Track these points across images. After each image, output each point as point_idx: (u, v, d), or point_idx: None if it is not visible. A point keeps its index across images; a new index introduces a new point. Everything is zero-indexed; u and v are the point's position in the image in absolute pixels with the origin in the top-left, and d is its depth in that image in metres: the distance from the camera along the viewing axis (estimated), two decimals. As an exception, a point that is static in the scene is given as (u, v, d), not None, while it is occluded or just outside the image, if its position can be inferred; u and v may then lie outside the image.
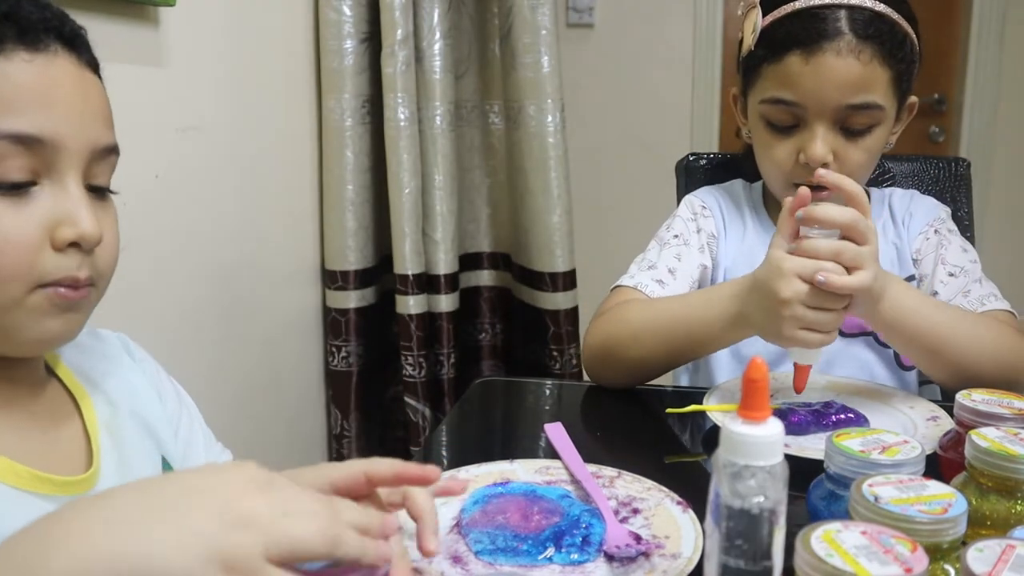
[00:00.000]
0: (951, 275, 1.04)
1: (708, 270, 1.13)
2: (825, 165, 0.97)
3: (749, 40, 1.02)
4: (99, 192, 0.60)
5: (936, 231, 1.10)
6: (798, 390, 0.89)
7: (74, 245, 0.57)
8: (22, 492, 0.55)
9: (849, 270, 0.81)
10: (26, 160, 0.55)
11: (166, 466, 0.69)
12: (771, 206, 1.15)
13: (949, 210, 1.16)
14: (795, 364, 0.88)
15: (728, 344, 0.99)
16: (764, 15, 1.01)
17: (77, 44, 0.59)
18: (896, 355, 1.07)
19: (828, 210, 0.81)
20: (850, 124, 0.98)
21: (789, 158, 1.01)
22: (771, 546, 0.47)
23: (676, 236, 1.13)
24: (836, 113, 0.97)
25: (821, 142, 0.97)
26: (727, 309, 0.91)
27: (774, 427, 0.47)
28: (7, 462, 0.55)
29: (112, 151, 0.61)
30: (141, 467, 0.66)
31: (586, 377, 1.07)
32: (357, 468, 0.63)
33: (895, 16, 0.98)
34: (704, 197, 1.18)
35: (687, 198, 1.19)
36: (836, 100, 0.96)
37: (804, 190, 0.83)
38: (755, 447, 0.47)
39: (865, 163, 1.01)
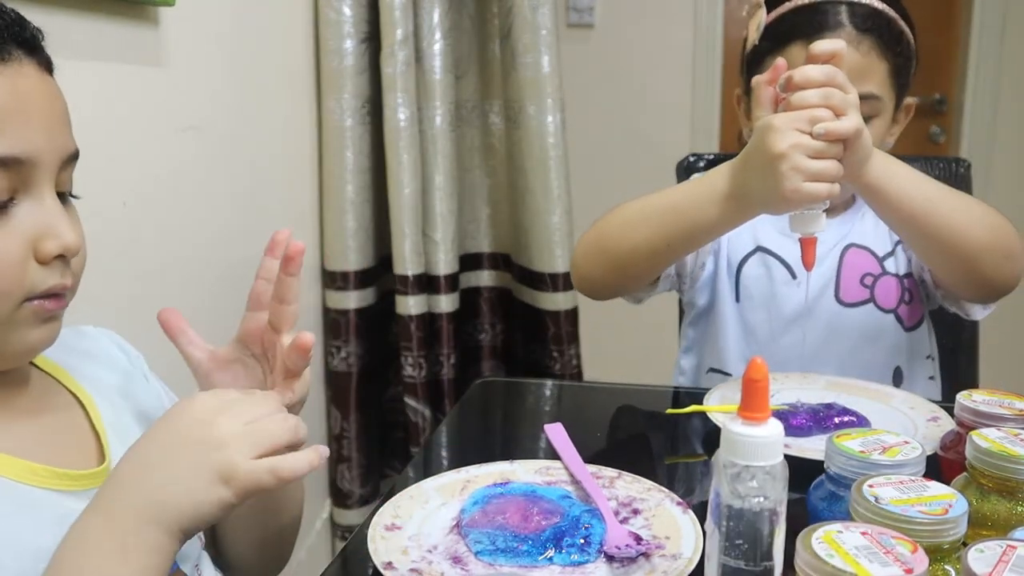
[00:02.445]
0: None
1: (718, 241, 1.13)
2: None
3: (754, 36, 1.03)
4: (64, 198, 0.60)
5: None
6: (808, 265, 0.87)
7: (58, 256, 0.57)
8: (43, 490, 0.56)
9: (837, 115, 0.81)
10: (3, 180, 0.54)
11: None
12: None
13: None
14: (800, 239, 0.86)
15: (725, 228, 0.96)
16: (769, 12, 1.03)
17: (37, 48, 0.58)
18: (898, 317, 1.08)
19: (806, 71, 0.82)
20: None
21: None
22: (771, 546, 0.47)
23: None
24: None
25: None
26: (723, 187, 0.89)
27: (774, 428, 0.47)
28: (23, 463, 0.56)
29: (75, 157, 0.60)
30: None
31: (586, 376, 1.07)
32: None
33: (892, 13, 1.02)
34: None
35: (695, 176, 1.18)
36: None
37: (781, 61, 0.86)
38: (755, 448, 0.47)
39: None
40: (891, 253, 1.10)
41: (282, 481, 0.53)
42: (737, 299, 1.12)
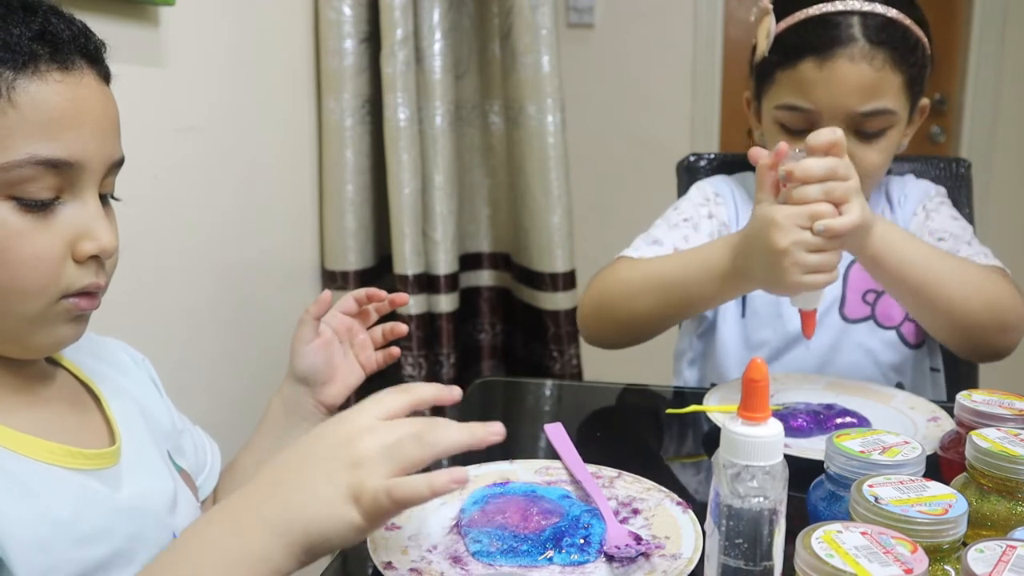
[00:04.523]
0: (940, 240, 1.05)
1: None
2: None
3: (763, 46, 1.02)
4: (104, 200, 0.63)
5: (924, 207, 1.11)
6: (808, 335, 0.89)
7: (93, 257, 0.60)
8: (59, 468, 0.58)
9: (838, 206, 0.82)
10: (53, 180, 0.57)
11: (172, 461, 0.72)
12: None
13: (943, 189, 1.16)
14: (801, 312, 0.88)
15: (726, 299, 1.00)
16: (778, 20, 1.01)
17: (99, 60, 0.61)
18: (900, 335, 1.08)
19: (807, 166, 0.82)
20: (864, 128, 0.99)
21: None
22: (771, 546, 0.47)
23: (686, 220, 1.12)
24: (849, 118, 0.98)
25: None
26: (724, 266, 0.91)
27: (774, 428, 0.47)
28: (39, 441, 0.58)
29: (121, 163, 0.63)
30: (151, 460, 0.68)
31: (586, 376, 1.07)
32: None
33: (907, 21, 0.99)
34: (717, 185, 1.17)
35: (698, 184, 1.18)
36: (849, 106, 0.97)
37: (782, 145, 0.85)
38: (755, 447, 0.47)
39: (880, 165, 1.03)
40: None
41: (398, 504, 0.52)
42: (743, 315, 1.11)
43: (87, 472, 0.60)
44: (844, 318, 1.08)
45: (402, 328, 0.85)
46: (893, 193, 1.15)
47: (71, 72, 0.57)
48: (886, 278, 0.92)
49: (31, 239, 0.56)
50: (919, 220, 1.10)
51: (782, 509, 0.48)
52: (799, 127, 1.01)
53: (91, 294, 0.61)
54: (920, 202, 1.13)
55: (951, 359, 1.16)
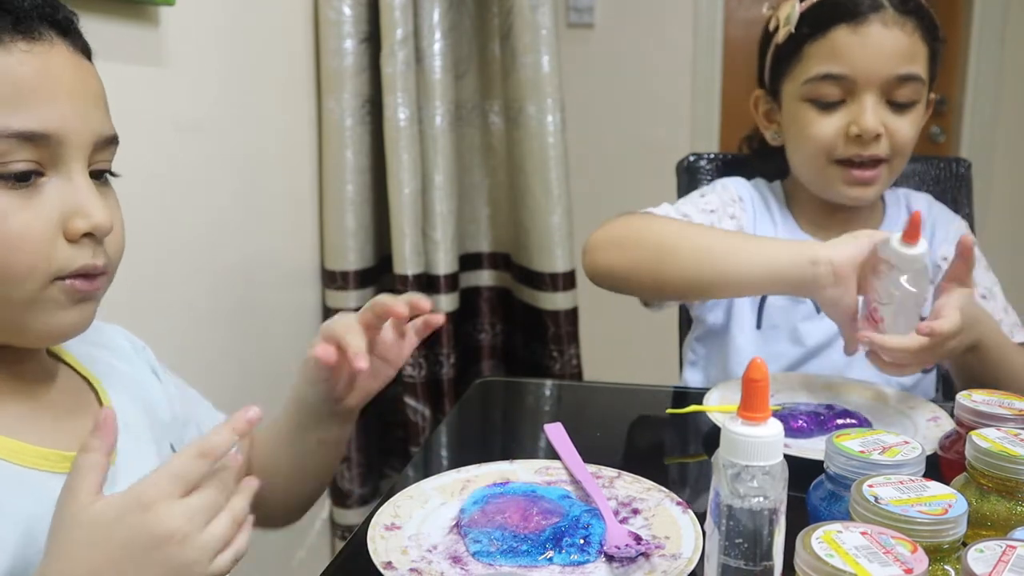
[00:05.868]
0: (983, 297, 1.06)
1: None
2: (877, 137, 0.99)
3: (792, 23, 1.02)
4: (101, 178, 0.61)
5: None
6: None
7: (87, 235, 0.57)
8: (52, 474, 0.57)
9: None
10: (31, 154, 0.55)
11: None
12: (794, 206, 1.14)
13: (964, 223, 1.17)
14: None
15: (754, 294, 1.03)
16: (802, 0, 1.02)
17: (71, 31, 0.59)
18: None
19: (890, 342, 0.84)
20: (896, 97, 1.00)
21: (837, 133, 1.01)
22: (771, 546, 0.47)
23: (712, 211, 1.10)
24: (885, 84, 0.99)
25: (872, 113, 0.99)
26: (795, 274, 0.89)
27: (774, 428, 0.47)
28: (35, 449, 0.57)
29: (112, 141, 0.61)
30: (148, 455, 0.67)
31: (586, 376, 1.07)
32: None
33: (924, 1, 1.02)
34: (740, 189, 1.15)
35: (724, 182, 1.16)
36: (886, 70, 0.98)
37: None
38: (755, 447, 0.47)
39: (911, 139, 1.03)
40: None
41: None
42: (759, 326, 1.10)
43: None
44: None
45: (438, 319, 0.81)
46: (918, 207, 1.13)
47: (38, 42, 0.55)
48: (974, 363, 0.92)
49: (15, 216, 0.54)
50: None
51: (782, 509, 0.48)
52: (833, 98, 1.01)
53: (89, 276, 0.58)
54: (957, 231, 1.12)
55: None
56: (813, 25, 1.01)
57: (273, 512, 0.82)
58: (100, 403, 0.66)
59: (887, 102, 1.00)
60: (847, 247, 0.86)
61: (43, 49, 0.56)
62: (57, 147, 0.56)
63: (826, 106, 1.01)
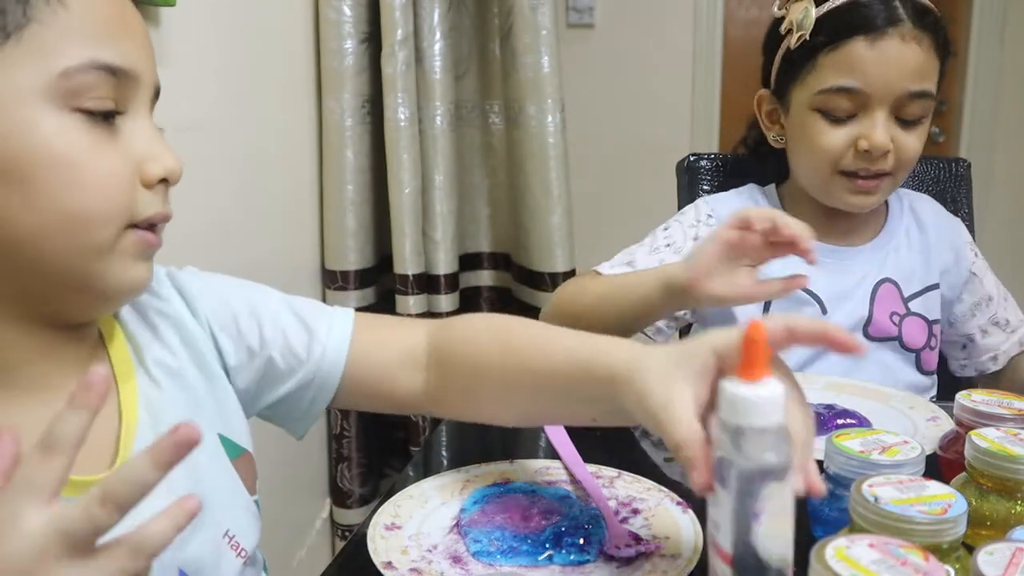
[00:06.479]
0: (1005, 299, 1.11)
1: None
2: (886, 153, 0.99)
3: (800, 32, 1.01)
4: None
5: (976, 253, 1.13)
6: None
7: (162, 181, 0.56)
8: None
9: None
10: (113, 91, 0.53)
11: (226, 443, 0.65)
12: (791, 212, 1.12)
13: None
14: None
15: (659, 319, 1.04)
16: (818, 4, 1.01)
17: None
18: (918, 359, 1.07)
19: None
20: (905, 114, 1.00)
21: (845, 145, 1.00)
22: (777, 507, 0.46)
23: (668, 244, 1.11)
24: (897, 100, 0.98)
25: (882, 129, 0.98)
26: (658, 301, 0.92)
27: (773, 386, 0.46)
28: None
29: (159, 93, 0.60)
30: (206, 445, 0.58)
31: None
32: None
33: (938, 13, 1.02)
34: (716, 206, 1.14)
35: (698, 203, 1.15)
36: (900, 86, 0.98)
37: None
38: (755, 408, 0.45)
39: (917, 153, 1.02)
40: (919, 294, 1.08)
41: None
42: None
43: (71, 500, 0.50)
44: (869, 337, 1.06)
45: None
46: (921, 211, 1.13)
47: None
48: None
49: (102, 156, 0.52)
50: (972, 251, 1.13)
51: (789, 465, 0.46)
52: (845, 112, 1.00)
53: (155, 229, 0.57)
54: (968, 238, 1.14)
55: (948, 369, 1.16)
56: (829, 34, 0.99)
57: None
58: (118, 404, 0.59)
59: (896, 117, 0.99)
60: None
61: None
62: (134, 87, 0.55)
63: (836, 119, 1.00)
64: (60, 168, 0.51)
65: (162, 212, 0.57)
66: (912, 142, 1.00)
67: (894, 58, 0.97)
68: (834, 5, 1.00)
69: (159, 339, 0.65)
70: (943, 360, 1.15)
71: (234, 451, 0.66)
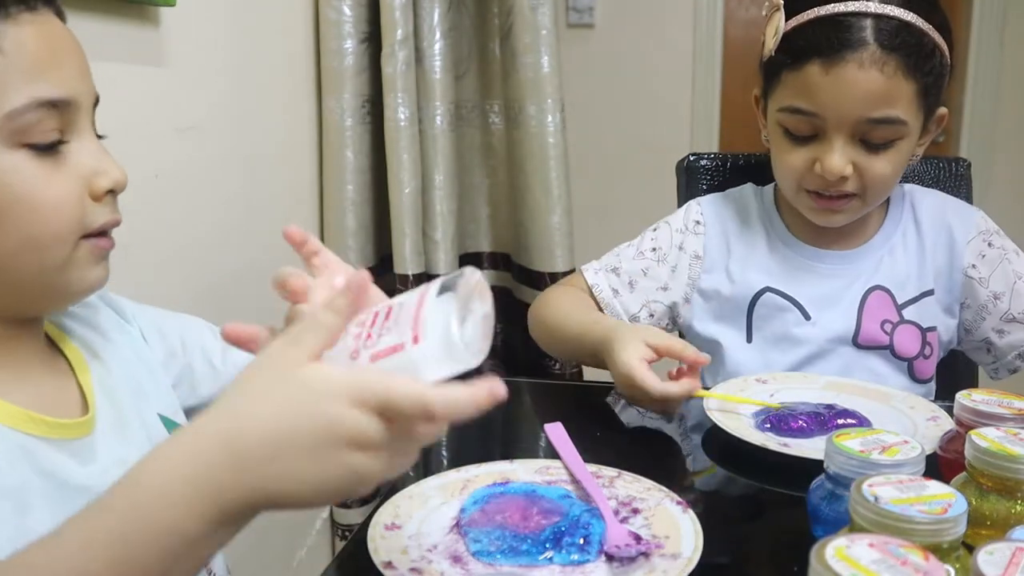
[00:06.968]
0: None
1: (670, 293, 1.12)
2: (844, 178, 0.96)
3: (770, 44, 0.99)
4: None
5: (990, 244, 1.09)
6: None
7: (108, 192, 0.61)
8: (13, 431, 0.57)
9: None
10: (56, 121, 0.57)
11: (165, 421, 0.71)
12: (783, 209, 1.13)
13: (982, 212, 1.13)
14: None
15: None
16: (787, 18, 0.97)
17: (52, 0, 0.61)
18: (910, 367, 1.07)
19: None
20: (870, 138, 0.95)
21: (805, 165, 0.99)
22: None
23: (654, 250, 1.12)
24: (855, 126, 0.94)
25: (839, 155, 0.95)
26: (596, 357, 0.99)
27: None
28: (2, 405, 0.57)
29: (98, 100, 0.63)
30: (135, 426, 0.67)
31: (586, 376, 1.08)
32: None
33: (924, 26, 0.93)
34: (707, 209, 1.14)
35: (690, 205, 1.15)
36: (856, 113, 0.93)
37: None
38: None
39: (888, 176, 0.99)
40: (913, 301, 1.06)
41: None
42: (749, 339, 1.09)
43: (51, 441, 0.58)
44: (858, 346, 1.05)
45: None
46: (922, 210, 1.11)
47: (37, 12, 0.58)
48: None
49: (52, 183, 0.57)
50: (989, 258, 1.08)
51: None
52: (803, 132, 0.98)
53: (108, 234, 0.62)
54: (976, 231, 1.10)
55: (947, 369, 1.16)
56: (789, 53, 0.96)
57: None
58: (78, 382, 0.66)
59: (861, 141, 0.96)
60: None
61: (42, 19, 0.58)
62: (75, 111, 0.59)
63: (799, 139, 0.98)
64: (14, 202, 0.56)
65: (112, 219, 0.62)
66: (878, 165, 0.96)
67: (849, 85, 0.92)
68: (799, 22, 0.96)
69: (98, 338, 0.71)
70: (943, 361, 1.15)
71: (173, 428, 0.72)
